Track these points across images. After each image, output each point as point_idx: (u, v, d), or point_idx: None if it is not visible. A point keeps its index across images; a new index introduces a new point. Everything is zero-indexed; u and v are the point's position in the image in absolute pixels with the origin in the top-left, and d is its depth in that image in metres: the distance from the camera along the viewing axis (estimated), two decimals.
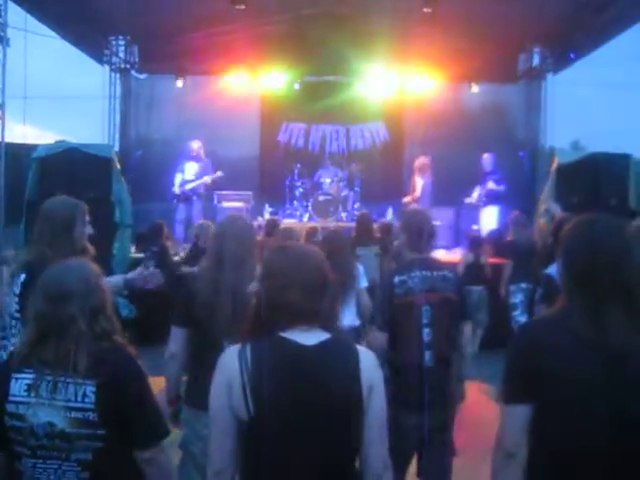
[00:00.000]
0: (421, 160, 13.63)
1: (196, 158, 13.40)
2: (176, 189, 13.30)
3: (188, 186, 13.27)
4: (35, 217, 4.24)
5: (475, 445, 4.97)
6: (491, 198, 13.11)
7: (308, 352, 2.41)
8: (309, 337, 2.44)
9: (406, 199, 13.61)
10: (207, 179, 13.31)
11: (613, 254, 2.49)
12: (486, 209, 13.18)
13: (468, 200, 13.50)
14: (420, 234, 4.63)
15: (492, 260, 10.71)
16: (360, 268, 6.67)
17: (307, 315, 2.45)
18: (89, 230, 4.31)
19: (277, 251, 2.64)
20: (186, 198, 13.32)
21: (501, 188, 13.03)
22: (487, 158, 13.34)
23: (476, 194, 13.32)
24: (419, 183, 13.50)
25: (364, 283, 6.62)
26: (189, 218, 13.12)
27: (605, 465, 2.40)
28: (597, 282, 2.47)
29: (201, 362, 4.01)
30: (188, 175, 13.35)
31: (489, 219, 13.07)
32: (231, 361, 2.41)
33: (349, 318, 6.19)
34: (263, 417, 2.33)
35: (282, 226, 9.76)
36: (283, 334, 2.43)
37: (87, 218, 4.30)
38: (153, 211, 12.91)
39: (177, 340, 4.11)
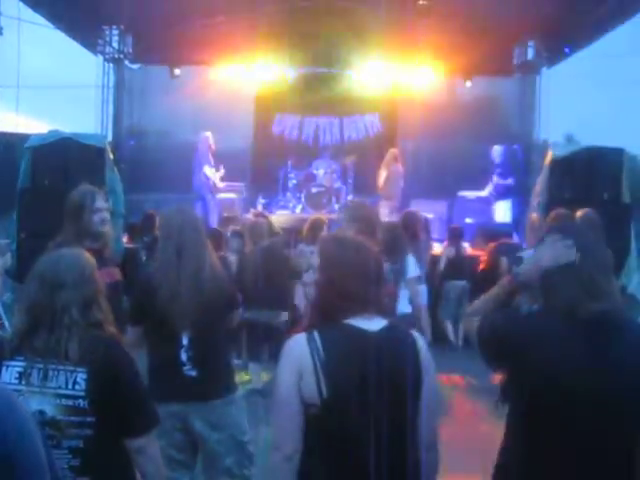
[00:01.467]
0: (390, 151, 13.61)
1: (212, 152, 13.37)
2: (220, 183, 13.28)
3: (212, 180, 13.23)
4: (27, 206, 4.33)
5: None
6: (501, 193, 13.09)
7: (372, 337, 2.54)
8: (371, 324, 2.58)
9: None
10: (218, 174, 13.36)
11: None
12: (498, 204, 13.16)
13: (463, 193, 13.50)
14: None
15: (475, 252, 10.72)
16: (411, 258, 6.81)
17: (367, 303, 2.60)
18: (102, 216, 4.38)
19: (334, 242, 2.81)
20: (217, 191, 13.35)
21: (509, 182, 13.03)
22: (496, 150, 13.32)
23: (489, 188, 13.30)
24: (382, 175, 13.47)
25: (414, 272, 6.75)
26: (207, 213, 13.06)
27: (585, 449, 2.42)
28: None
29: (160, 356, 4.08)
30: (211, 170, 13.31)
31: (503, 213, 13.08)
32: (301, 348, 2.52)
33: (402, 305, 6.29)
34: (336, 399, 2.46)
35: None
36: (347, 321, 2.56)
37: (100, 205, 4.38)
38: (146, 201, 12.88)
39: (134, 339, 4.09)
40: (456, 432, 6.36)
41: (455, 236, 10.38)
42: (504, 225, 12.58)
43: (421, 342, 2.68)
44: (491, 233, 11.08)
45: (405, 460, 2.56)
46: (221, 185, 13.34)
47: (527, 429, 2.51)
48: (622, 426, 2.43)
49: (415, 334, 2.70)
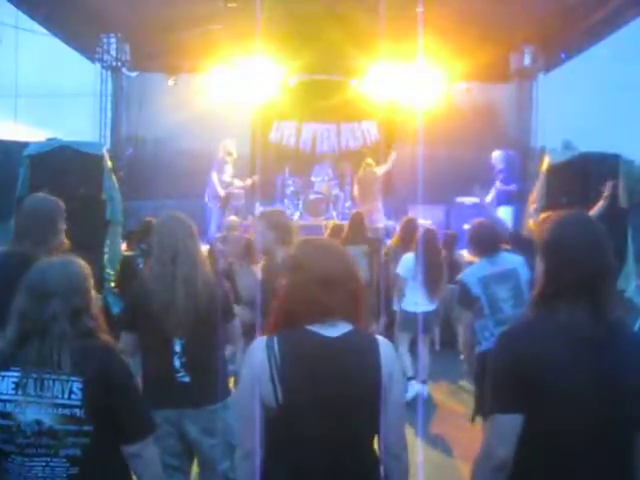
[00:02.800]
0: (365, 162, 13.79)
1: (232, 159, 13.33)
2: (222, 191, 13.15)
3: (231, 188, 13.21)
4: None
5: None
6: (502, 198, 13.06)
7: (331, 344, 2.54)
8: (332, 329, 2.57)
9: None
10: (239, 184, 13.33)
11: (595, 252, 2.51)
12: (499, 209, 13.14)
13: (461, 199, 13.50)
14: None
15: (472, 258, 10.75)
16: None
17: (329, 308, 2.57)
18: (64, 225, 4.39)
19: (301, 245, 2.82)
20: (226, 199, 13.22)
21: (512, 187, 13.00)
22: (497, 156, 13.30)
23: (492, 195, 13.27)
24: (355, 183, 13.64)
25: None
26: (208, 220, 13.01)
27: (592, 465, 2.41)
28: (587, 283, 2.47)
29: (153, 362, 4.12)
30: (227, 177, 13.28)
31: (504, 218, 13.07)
32: (260, 353, 2.54)
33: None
34: (290, 405, 2.48)
35: None
36: (308, 327, 2.56)
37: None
38: (144, 209, 12.88)
39: (128, 345, 4.13)
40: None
41: (447, 242, 10.41)
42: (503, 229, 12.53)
43: (386, 349, 2.63)
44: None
45: (362, 467, 2.57)
46: (222, 193, 13.22)
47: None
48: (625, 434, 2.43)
49: (381, 340, 2.66)
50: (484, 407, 2.61)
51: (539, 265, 2.62)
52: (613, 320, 2.47)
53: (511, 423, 2.45)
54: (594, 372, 2.40)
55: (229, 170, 13.34)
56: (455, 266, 10.10)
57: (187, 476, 4.30)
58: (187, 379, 4.06)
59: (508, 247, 6.31)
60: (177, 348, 4.05)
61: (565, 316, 2.46)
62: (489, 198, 13.24)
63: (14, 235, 4.22)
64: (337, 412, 2.50)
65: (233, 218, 10.28)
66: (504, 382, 2.50)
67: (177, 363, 4.06)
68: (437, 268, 8.24)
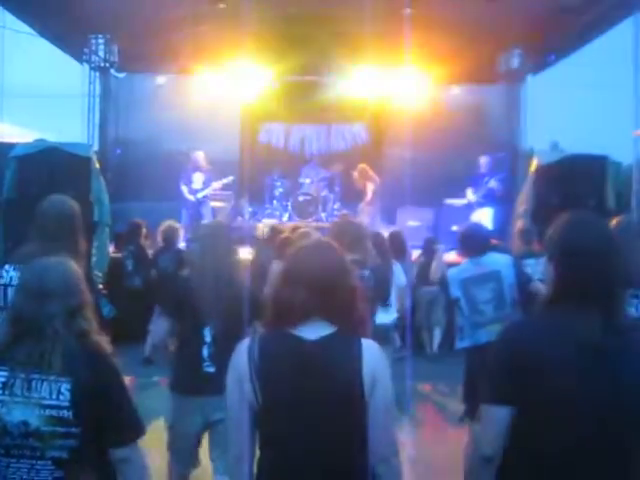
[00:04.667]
0: (364, 167, 13.97)
1: (200, 168, 13.66)
2: (191, 197, 13.57)
3: (200, 194, 13.55)
4: (13, 215, 4.29)
5: None
6: (489, 199, 13.10)
7: (309, 346, 2.54)
8: (313, 332, 2.56)
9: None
10: (216, 185, 13.66)
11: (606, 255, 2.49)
12: (479, 210, 13.15)
13: (450, 201, 13.54)
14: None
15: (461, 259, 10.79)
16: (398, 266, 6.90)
17: (313, 312, 2.57)
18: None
19: (293, 248, 2.84)
20: (199, 204, 13.63)
21: (495, 187, 13.03)
22: (484, 160, 13.35)
23: (470, 194, 13.29)
24: (370, 188, 13.74)
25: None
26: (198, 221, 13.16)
27: (587, 466, 2.38)
28: (588, 284, 2.45)
29: (183, 351, 4.59)
30: (197, 185, 13.62)
31: (483, 220, 13.12)
32: (241, 355, 2.58)
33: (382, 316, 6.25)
34: (268, 405, 2.51)
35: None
36: (290, 329, 2.57)
37: None
38: (132, 210, 12.85)
39: (161, 330, 4.78)
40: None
41: (428, 245, 10.42)
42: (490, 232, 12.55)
43: (371, 352, 2.59)
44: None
45: (348, 471, 2.55)
46: (192, 199, 13.53)
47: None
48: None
49: (366, 343, 2.60)
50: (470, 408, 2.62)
51: (549, 267, 2.59)
52: (623, 328, 2.46)
53: (501, 414, 2.45)
54: (594, 379, 2.37)
55: (199, 178, 13.62)
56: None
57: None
58: (212, 369, 4.37)
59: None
60: (207, 339, 4.42)
61: (573, 320, 2.43)
62: (471, 198, 13.29)
63: (38, 237, 4.14)
64: (315, 413, 2.49)
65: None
66: (500, 373, 2.50)
67: (205, 353, 4.42)
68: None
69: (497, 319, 5.62)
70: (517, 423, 2.44)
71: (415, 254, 11.08)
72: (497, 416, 2.46)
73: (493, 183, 13.03)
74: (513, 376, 2.43)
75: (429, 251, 10.22)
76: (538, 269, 8.89)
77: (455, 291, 5.91)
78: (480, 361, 5.70)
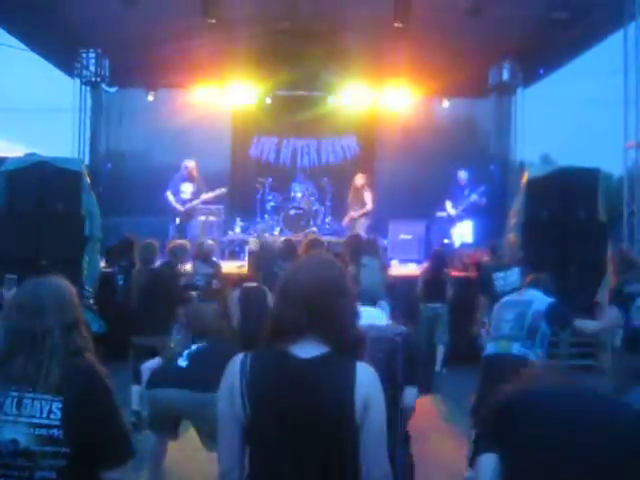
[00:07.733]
0: (362, 177, 13.95)
1: (190, 178, 13.34)
2: (179, 207, 13.20)
3: (189, 205, 13.23)
4: (3, 230, 4.25)
5: None
6: (470, 212, 13.14)
7: (301, 364, 2.51)
8: (307, 350, 2.53)
9: (356, 214, 13.75)
10: (205, 196, 13.29)
11: None
12: (461, 223, 13.19)
13: (441, 214, 13.54)
14: None
15: (457, 273, 10.73)
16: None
17: (307, 330, 2.54)
18: None
19: (293, 266, 2.82)
20: (188, 215, 13.32)
21: (477, 200, 13.06)
22: (463, 175, 13.40)
23: (449, 207, 13.33)
24: (369, 197, 13.75)
25: None
26: (184, 234, 12.97)
27: None
28: None
29: None
30: (185, 195, 13.30)
31: (464, 233, 13.13)
32: (234, 369, 2.56)
33: None
34: (257, 422, 2.48)
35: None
36: (284, 346, 2.54)
37: None
38: (123, 225, 12.81)
39: None
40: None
41: (436, 259, 10.24)
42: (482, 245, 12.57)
43: (364, 374, 2.53)
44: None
45: None
46: (180, 208, 13.21)
47: None
48: None
49: (360, 365, 2.55)
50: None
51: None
52: (615, 395, 2.46)
53: (488, 461, 2.48)
54: (575, 447, 2.34)
55: (188, 188, 13.34)
56: (439, 284, 10.01)
57: None
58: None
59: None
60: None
61: (574, 384, 2.50)
62: (452, 211, 13.32)
63: None
64: (301, 431, 2.46)
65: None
66: (488, 421, 2.56)
67: None
68: None
69: (506, 337, 5.78)
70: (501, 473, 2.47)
71: (410, 267, 11.05)
72: (485, 463, 2.50)
73: (474, 197, 13.05)
74: (496, 424, 2.50)
75: (437, 265, 10.04)
76: (508, 281, 8.96)
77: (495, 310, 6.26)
78: (483, 371, 5.83)
